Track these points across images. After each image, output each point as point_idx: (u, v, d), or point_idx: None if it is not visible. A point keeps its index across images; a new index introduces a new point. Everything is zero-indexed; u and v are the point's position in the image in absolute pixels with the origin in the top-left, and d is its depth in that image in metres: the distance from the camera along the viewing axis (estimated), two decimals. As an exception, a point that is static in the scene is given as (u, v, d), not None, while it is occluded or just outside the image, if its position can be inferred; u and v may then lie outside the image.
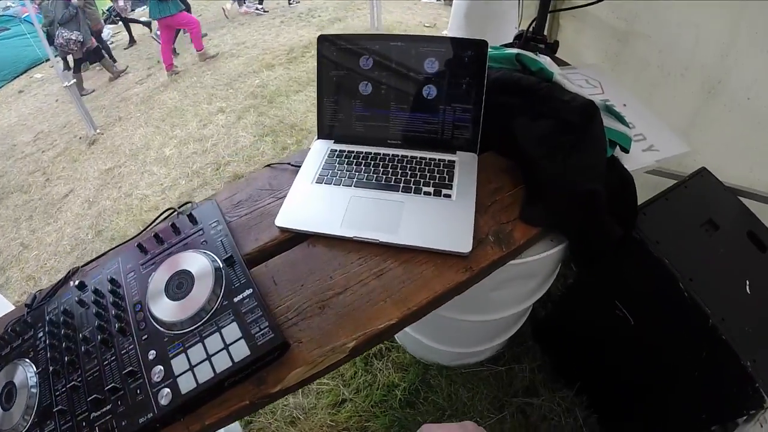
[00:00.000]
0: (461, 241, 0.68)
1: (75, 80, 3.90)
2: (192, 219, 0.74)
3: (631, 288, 1.03)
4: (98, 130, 3.92)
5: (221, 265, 0.65)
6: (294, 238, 0.74)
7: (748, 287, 0.88)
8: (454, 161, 0.81)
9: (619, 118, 0.89)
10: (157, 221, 0.83)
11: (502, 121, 0.82)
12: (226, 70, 4.64)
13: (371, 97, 0.84)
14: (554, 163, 0.76)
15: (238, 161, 3.08)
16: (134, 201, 2.91)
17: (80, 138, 3.95)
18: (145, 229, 0.81)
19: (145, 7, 6.36)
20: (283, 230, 0.74)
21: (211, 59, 4.99)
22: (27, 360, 0.62)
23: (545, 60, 0.91)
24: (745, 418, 0.82)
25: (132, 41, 6.33)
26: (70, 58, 4.76)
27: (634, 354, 1.07)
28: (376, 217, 0.73)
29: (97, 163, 3.50)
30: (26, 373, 0.60)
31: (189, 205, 0.84)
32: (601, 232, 0.79)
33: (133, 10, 6.97)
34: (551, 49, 1.17)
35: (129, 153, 3.51)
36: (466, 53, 0.79)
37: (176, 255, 0.68)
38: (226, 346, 0.57)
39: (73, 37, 4.44)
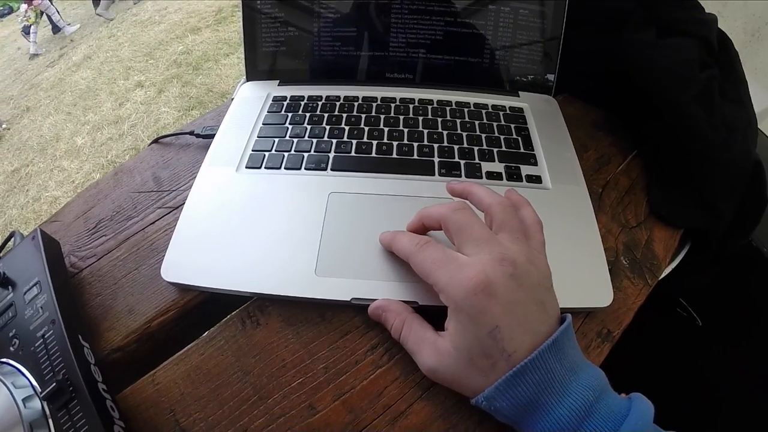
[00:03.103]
0: (590, 283, 0.31)
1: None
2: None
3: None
4: (4, 125, 3.34)
5: (44, 409, 0.26)
6: (208, 304, 0.34)
7: None
8: (521, 108, 0.43)
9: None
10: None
11: (599, 40, 0.45)
12: (145, 39, 3.96)
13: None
14: (711, 115, 0.42)
15: (160, 144, 2.63)
16: (44, 206, 2.49)
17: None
18: None
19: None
20: (182, 288, 0.32)
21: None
22: None
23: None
24: None
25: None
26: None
27: (701, 361, 0.79)
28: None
29: (2, 164, 2.95)
30: None
31: (12, 242, 0.40)
32: (754, 224, 0.47)
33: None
34: None
35: (37, 148, 2.98)
36: None
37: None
38: None
39: None
